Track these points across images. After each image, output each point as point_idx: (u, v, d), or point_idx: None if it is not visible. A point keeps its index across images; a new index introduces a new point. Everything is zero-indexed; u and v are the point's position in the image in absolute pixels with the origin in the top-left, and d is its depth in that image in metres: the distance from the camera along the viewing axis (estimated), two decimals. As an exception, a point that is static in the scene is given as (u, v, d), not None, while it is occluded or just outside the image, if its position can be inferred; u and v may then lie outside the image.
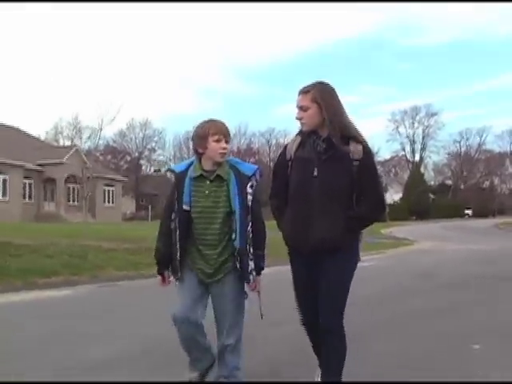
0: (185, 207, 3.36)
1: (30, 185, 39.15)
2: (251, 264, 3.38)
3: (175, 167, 3.57)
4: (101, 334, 5.50)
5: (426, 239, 26.74)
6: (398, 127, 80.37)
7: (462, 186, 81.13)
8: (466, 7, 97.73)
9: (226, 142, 3.39)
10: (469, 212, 73.82)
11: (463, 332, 5.78)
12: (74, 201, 42.61)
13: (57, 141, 65.39)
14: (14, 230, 17.26)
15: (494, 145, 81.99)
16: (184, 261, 3.42)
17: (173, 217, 3.43)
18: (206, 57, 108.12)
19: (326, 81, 3.33)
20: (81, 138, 60.47)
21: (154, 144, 71.82)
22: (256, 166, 3.49)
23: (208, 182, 3.38)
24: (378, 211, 3.38)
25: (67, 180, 40.59)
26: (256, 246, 3.41)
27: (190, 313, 3.35)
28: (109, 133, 67.64)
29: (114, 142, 69.16)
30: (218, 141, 3.34)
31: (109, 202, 45.87)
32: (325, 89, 3.26)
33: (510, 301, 8.19)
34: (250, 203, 3.34)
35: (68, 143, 62.39)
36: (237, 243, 3.32)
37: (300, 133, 3.36)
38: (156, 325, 5.50)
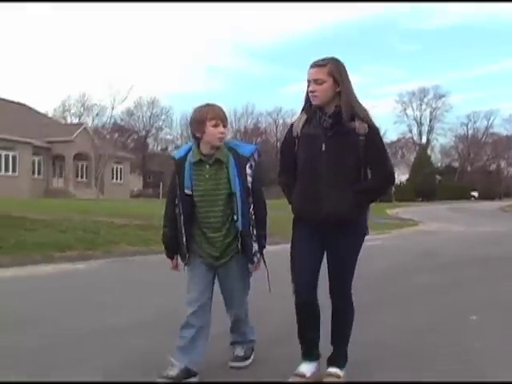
0: (187, 191, 3.42)
1: (38, 161, 39.46)
2: (255, 246, 3.46)
3: (174, 154, 3.61)
4: (117, 304, 5.83)
5: (431, 220, 26.74)
6: (405, 109, 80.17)
7: (469, 169, 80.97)
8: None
9: (224, 126, 3.41)
10: (475, 194, 73.80)
11: (464, 305, 6.04)
12: (82, 177, 43.06)
13: (64, 118, 65.70)
14: (26, 205, 17.62)
15: (501, 128, 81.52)
16: (190, 245, 3.48)
17: (176, 202, 3.49)
18: (214, 35, 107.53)
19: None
20: (88, 116, 61.02)
21: (161, 123, 72.07)
22: (254, 147, 3.55)
23: (208, 166, 3.41)
24: (386, 183, 3.46)
25: (76, 157, 40.93)
26: (257, 226, 3.48)
27: (201, 298, 3.42)
28: (116, 111, 67.81)
29: (122, 120, 69.42)
30: (215, 125, 3.36)
31: (117, 179, 46.27)
32: (341, 64, 3.28)
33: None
34: (249, 184, 3.40)
35: (75, 121, 62.77)
36: (239, 224, 3.38)
37: (304, 110, 3.38)
38: (168, 296, 5.79)
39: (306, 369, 3.41)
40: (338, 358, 3.46)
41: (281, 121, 73.29)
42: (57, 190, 38.65)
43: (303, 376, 3.37)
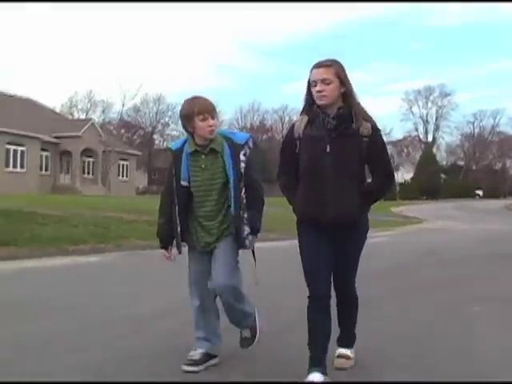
0: (183, 183, 3.48)
1: (46, 157, 39.70)
2: (246, 229, 3.47)
3: (172, 145, 3.66)
4: (135, 294, 6.18)
5: (435, 218, 26.89)
6: (411, 107, 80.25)
7: (474, 167, 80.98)
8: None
9: (212, 118, 3.42)
10: (479, 193, 73.88)
11: (463, 299, 6.29)
12: (88, 173, 43.32)
13: (71, 114, 66.08)
14: (36, 201, 17.95)
15: (507, 127, 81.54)
16: (186, 235, 3.55)
17: (172, 194, 3.55)
18: (222, 33, 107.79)
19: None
20: (95, 112, 61.36)
21: (167, 119, 72.33)
22: (248, 135, 3.56)
23: (203, 157, 3.47)
24: (387, 185, 3.51)
25: (83, 153, 41.22)
26: (251, 206, 3.48)
27: (201, 280, 3.54)
28: (124, 107, 68.03)
29: (128, 116, 69.75)
30: (203, 119, 3.38)
31: (123, 175, 46.48)
32: (342, 66, 3.31)
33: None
34: (242, 170, 3.42)
35: (82, 116, 63.13)
36: (232, 210, 3.44)
37: (305, 111, 3.39)
38: (182, 286, 6.05)
39: (316, 377, 3.24)
40: (346, 338, 3.63)
41: (287, 118, 73.46)
42: (64, 187, 38.92)
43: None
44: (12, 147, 35.84)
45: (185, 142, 3.56)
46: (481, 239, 15.18)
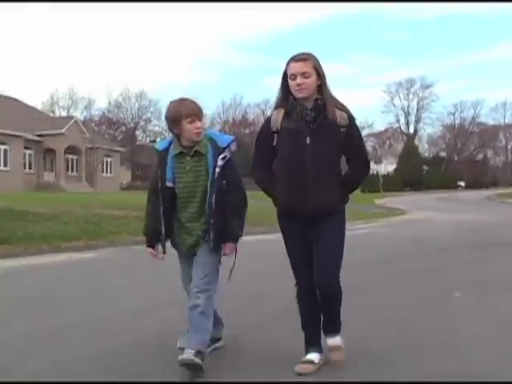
0: (168, 184, 3.49)
1: (29, 155, 39.55)
2: (212, 234, 3.43)
3: (158, 145, 3.64)
4: (134, 287, 6.43)
5: (418, 209, 27.20)
6: (392, 99, 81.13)
7: (456, 158, 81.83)
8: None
9: (200, 120, 3.44)
10: (462, 184, 74.69)
11: (449, 284, 6.58)
12: (73, 171, 43.16)
13: (53, 111, 65.69)
14: (24, 200, 17.99)
15: (488, 117, 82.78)
16: (170, 235, 3.58)
17: (157, 192, 3.55)
18: (202, 27, 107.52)
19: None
20: (76, 109, 61.02)
21: (149, 115, 72.10)
22: (232, 138, 3.53)
23: (188, 158, 3.47)
24: (365, 173, 3.57)
25: (66, 150, 41.06)
26: (232, 214, 3.48)
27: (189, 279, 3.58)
28: (104, 103, 67.86)
29: (109, 112, 69.45)
30: (191, 122, 3.39)
31: (107, 172, 46.42)
32: (318, 59, 3.35)
33: (496, 261, 8.94)
34: (216, 175, 3.40)
35: (64, 113, 62.82)
36: (209, 211, 3.43)
37: (281, 104, 3.39)
38: (177, 280, 6.26)
39: (314, 356, 3.46)
40: (330, 325, 3.55)
41: (268, 112, 73.05)
42: (48, 184, 38.73)
43: (312, 362, 3.44)
44: (-5, 146, 35.67)
45: (171, 142, 3.56)
46: (463, 229, 15.43)
